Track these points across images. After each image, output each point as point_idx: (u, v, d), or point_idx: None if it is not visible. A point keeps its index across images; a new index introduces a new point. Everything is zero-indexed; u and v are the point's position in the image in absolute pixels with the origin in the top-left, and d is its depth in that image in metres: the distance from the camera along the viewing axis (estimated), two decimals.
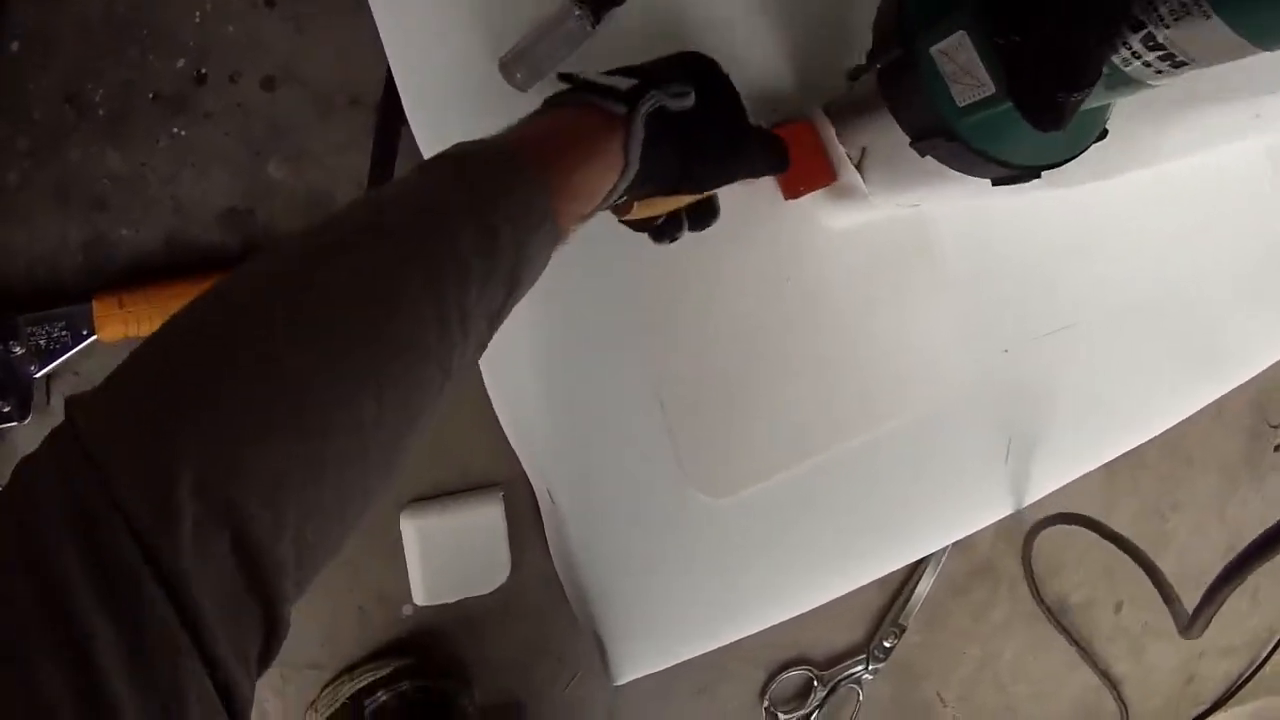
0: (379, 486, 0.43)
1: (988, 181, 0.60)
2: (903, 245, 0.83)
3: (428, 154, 0.75)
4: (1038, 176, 0.57)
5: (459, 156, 0.51)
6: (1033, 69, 0.47)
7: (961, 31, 0.50)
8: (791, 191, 0.76)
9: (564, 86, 0.59)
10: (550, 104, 0.59)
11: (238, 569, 0.37)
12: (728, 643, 0.84)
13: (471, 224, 0.46)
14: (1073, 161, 0.60)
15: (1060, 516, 0.88)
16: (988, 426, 0.87)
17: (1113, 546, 0.96)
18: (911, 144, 0.59)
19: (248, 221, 0.78)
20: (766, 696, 0.90)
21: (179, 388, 0.38)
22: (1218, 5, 0.40)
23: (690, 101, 0.59)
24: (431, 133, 0.74)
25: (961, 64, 0.51)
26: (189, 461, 0.36)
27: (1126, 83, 0.48)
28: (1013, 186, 0.64)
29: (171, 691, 0.34)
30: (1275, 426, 1.06)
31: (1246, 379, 0.97)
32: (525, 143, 0.53)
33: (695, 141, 0.60)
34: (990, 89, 0.51)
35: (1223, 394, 0.97)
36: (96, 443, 0.36)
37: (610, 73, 0.59)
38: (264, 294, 0.42)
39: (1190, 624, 0.74)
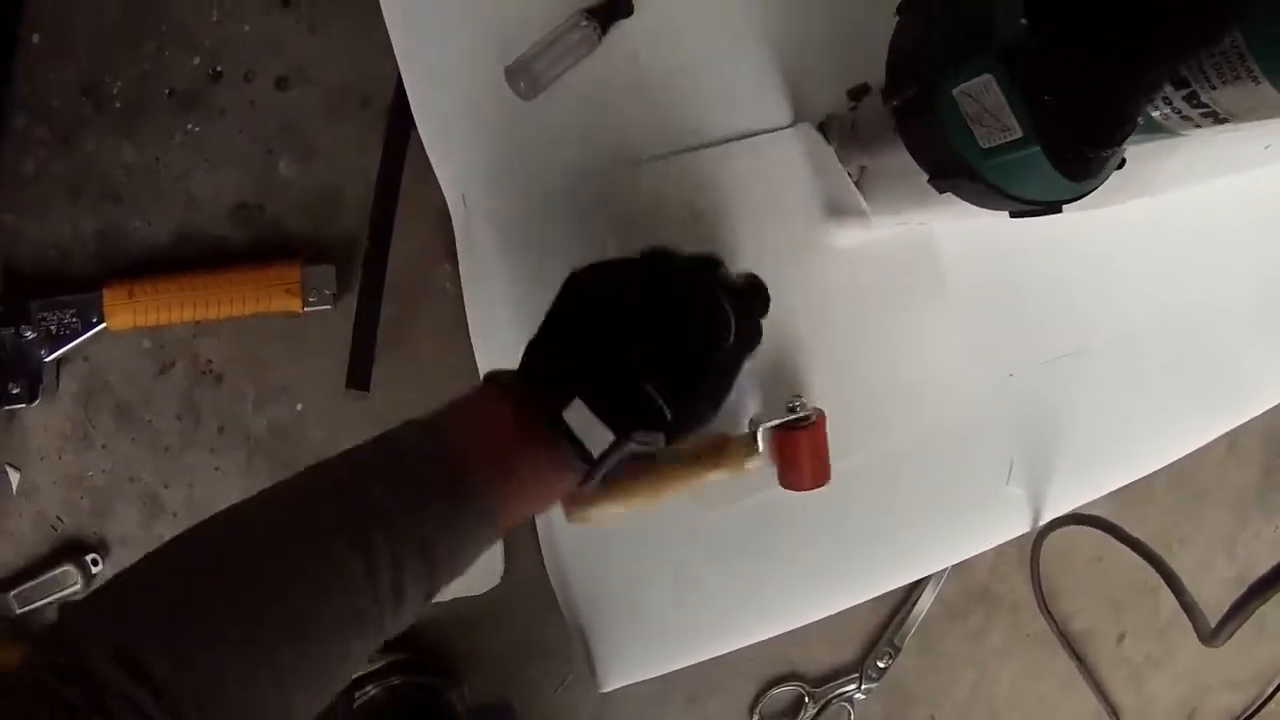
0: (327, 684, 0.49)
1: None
2: (910, 263, 0.82)
3: (432, 154, 0.76)
4: (1059, 211, 0.55)
5: (398, 454, 0.53)
6: (1066, 125, 0.45)
7: (989, 75, 0.48)
8: (789, 486, 0.76)
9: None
10: (513, 413, 0.57)
11: None
12: (722, 654, 0.83)
13: (414, 552, 0.50)
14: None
15: (1074, 517, 0.87)
16: (990, 449, 0.86)
17: (1118, 575, 0.95)
18: (930, 181, 0.57)
19: (258, 217, 0.79)
20: (757, 711, 0.89)
21: (144, 605, 0.46)
22: (1268, 71, 0.39)
23: (660, 444, 0.57)
24: (438, 137, 0.75)
25: (987, 107, 0.49)
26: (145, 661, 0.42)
27: (1157, 129, 0.47)
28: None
29: None
30: None
31: (1261, 412, 0.95)
32: (480, 457, 0.54)
33: (672, 435, 0.59)
34: (1017, 133, 0.48)
35: (1235, 427, 0.95)
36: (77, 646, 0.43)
37: (604, 383, 0.56)
38: (228, 538, 0.51)
39: (1216, 633, 0.73)
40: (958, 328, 0.84)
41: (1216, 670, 1.03)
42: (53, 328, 0.78)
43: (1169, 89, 0.43)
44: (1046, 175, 0.50)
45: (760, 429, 0.73)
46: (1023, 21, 0.44)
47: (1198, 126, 0.45)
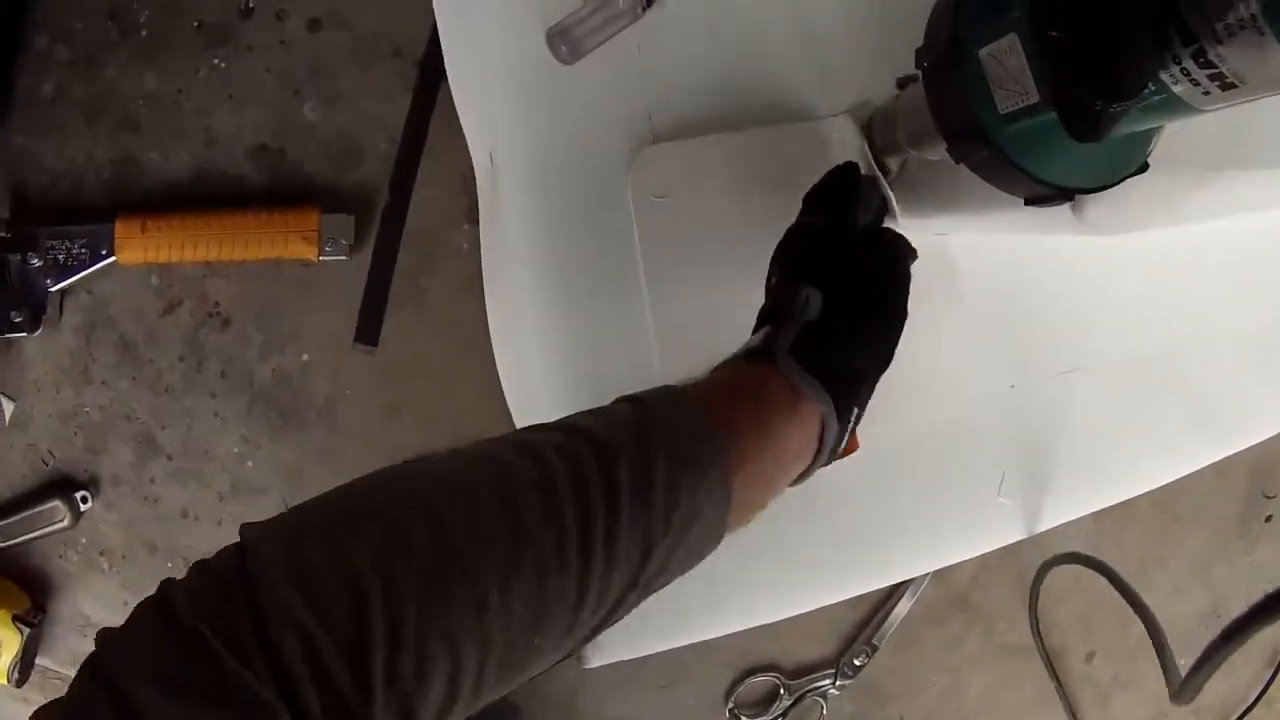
0: (498, 673, 0.44)
1: (1019, 205, 0.60)
2: (924, 266, 0.82)
3: (461, 111, 0.75)
4: (1071, 199, 0.55)
5: (640, 396, 0.52)
6: (1075, 72, 0.45)
7: (1013, 33, 0.49)
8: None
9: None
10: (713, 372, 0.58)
11: (347, 706, 0.39)
12: (700, 640, 0.84)
13: (631, 448, 0.47)
14: (1102, 206, 0.60)
15: (1073, 556, 0.88)
16: (984, 458, 0.87)
17: (1092, 595, 0.96)
18: (948, 149, 0.58)
19: (277, 160, 0.78)
20: (732, 699, 0.90)
21: (326, 536, 0.43)
22: (1272, 21, 0.38)
23: (818, 301, 0.57)
24: (470, 94, 0.75)
25: (1009, 69, 0.50)
26: (323, 598, 0.40)
27: (1174, 106, 0.47)
28: (1042, 218, 0.63)
29: None
30: (1270, 497, 1.06)
31: (1249, 445, 0.96)
32: (698, 391, 0.53)
33: (857, 321, 0.59)
34: (1034, 97, 0.49)
35: (1223, 457, 0.96)
36: (256, 572, 0.40)
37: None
38: (419, 475, 0.47)
39: (1183, 688, 0.74)
40: (966, 335, 0.85)
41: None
42: (60, 257, 0.77)
43: (1177, 45, 0.43)
44: (1059, 149, 0.51)
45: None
46: None
47: (1207, 95, 0.45)
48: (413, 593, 0.41)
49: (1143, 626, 0.82)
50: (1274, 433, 0.97)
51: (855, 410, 0.59)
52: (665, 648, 0.83)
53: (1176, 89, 0.45)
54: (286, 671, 0.38)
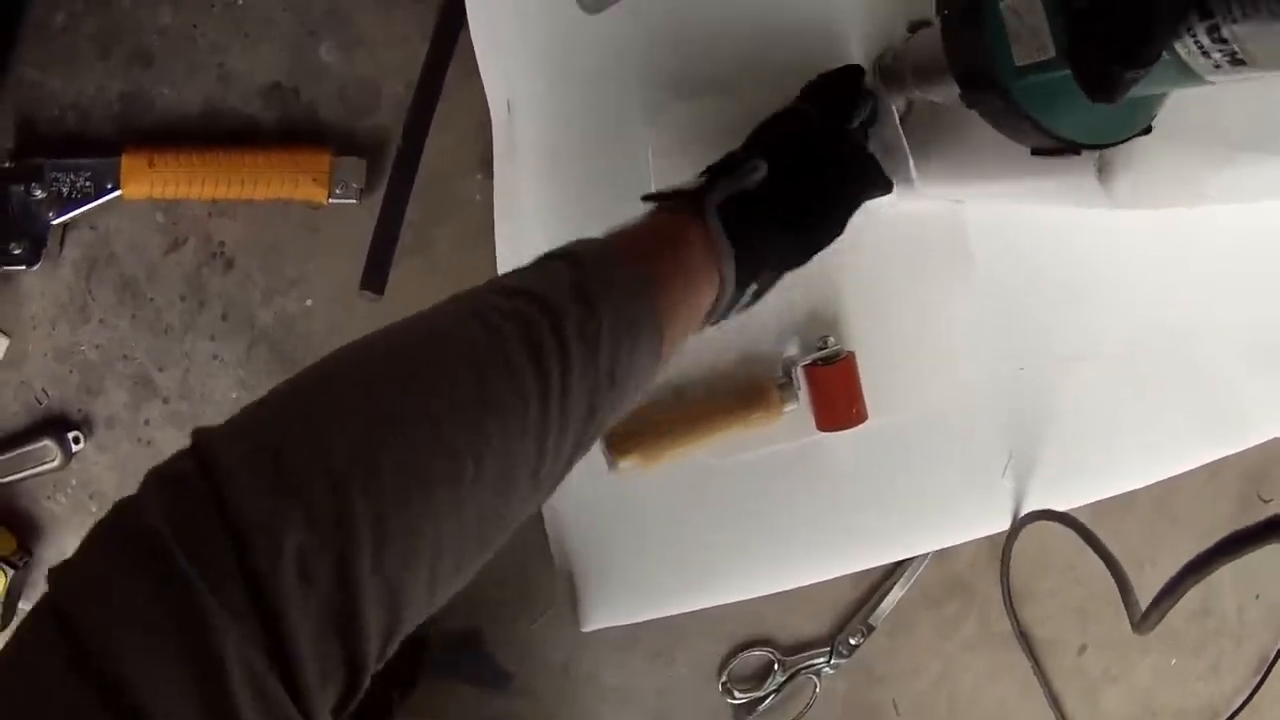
0: (471, 553, 0.44)
1: (1030, 164, 0.60)
2: (940, 243, 0.82)
3: (481, 58, 0.74)
4: (1077, 153, 0.56)
5: (571, 253, 0.51)
6: (1095, 37, 0.46)
7: None
8: (826, 427, 0.79)
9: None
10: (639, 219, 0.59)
11: (333, 608, 0.37)
12: (700, 608, 0.83)
13: (576, 307, 0.47)
14: (1128, 178, 0.60)
15: (1044, 514, 0.87)
16: (990, 439, 0.87)
17: (1089, 586, 0.96)
18: (960, 95, 0.58)
19: (290, 100, 0.77)
20: (725, 672, 0.89)
21: (296, 430, 0.40)
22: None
23: (763, 172, 0.58)
24: (490, 42, 0.74)
25: (1028, 24, 0.51)
26: (300, 498, 0.37)
27: (1183, 73, 0.48)
28: (1066, 187, 0.63)
29: None
30: (1266, 501, 1.05)
31: (1249, 446, 0.96)
32: (624, 244, 0.54)
33: (789, 208, 0.60)
34: (1050, 52, 0.50)
35: (1222, 456, 0.96)
36: (218, 466, 0.37)
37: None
38: (377, 357, 0.45)
39: (1145, 617, 0.74)
40: (978, 313, 0.84)
41: (1169, 698, 1.04)
42: (64, 190, 0.76)
43: (1194, 18, 0.43)
44: (1070, 104, 0.53)
45: (795, 367, 0.76)
46: None
47: (1217, 68, 0.45)
48: (396, 483, 0.39)
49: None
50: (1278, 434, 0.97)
51: (754, 288, 0.60)
52: (665, 614, 0.83)
53: (1187, 58, 0.46)
54: (264, 586, 0.35)
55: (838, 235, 0.63)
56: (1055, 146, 0.56)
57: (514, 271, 0.51)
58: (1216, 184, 0.71)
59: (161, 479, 0.38)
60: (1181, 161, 0.63)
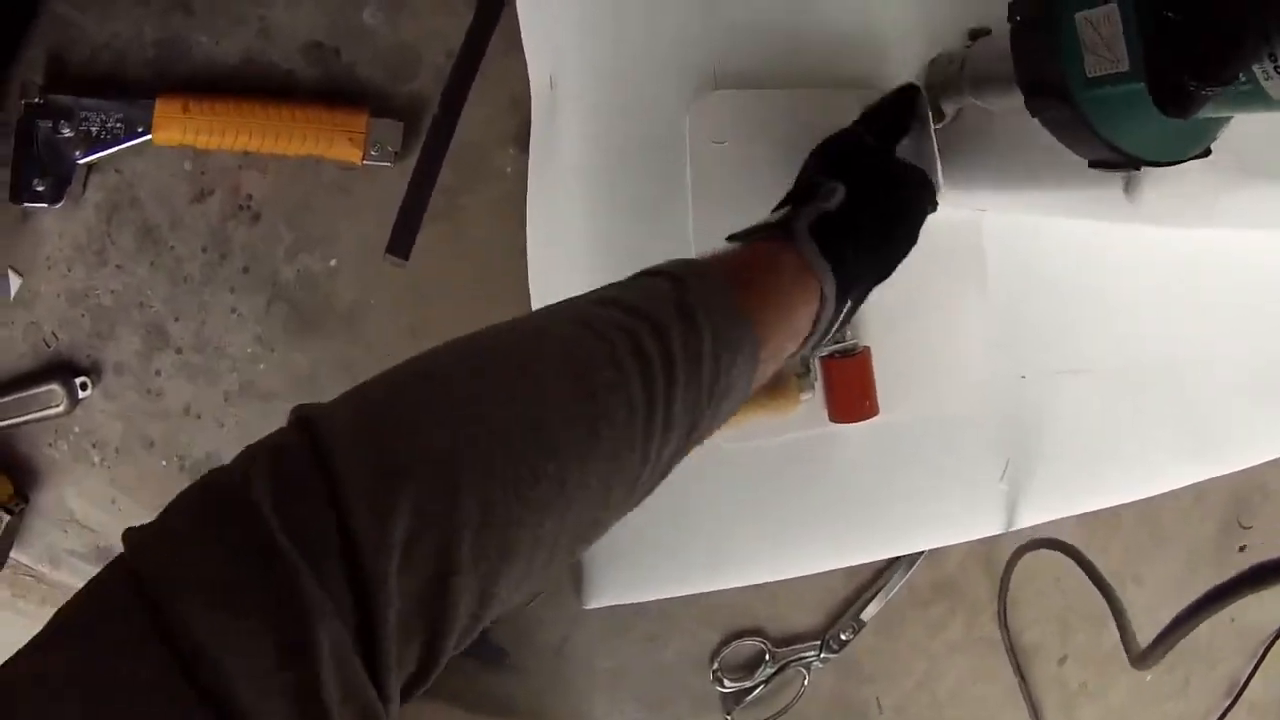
0: (563, 554, 0.45)
1: (1066, 178, 0.61)
2: (955, 247, 0.83)
3: (525, 32, 0.75)
4: (1137, 168, 0.56)
5: (671, 272, 0.53)
6: (1176, 51, 0.47)
7: (1114, 4, 0.50)
8: (838, 419, 0.80)
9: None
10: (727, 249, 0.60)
11: (427, 596, 0.37)
12: (701, 591, 0.83)
13: (681, 325, 0.48)
14: (1149, 190, 0.61)
15: (1046, 542, 0.89)
16: (990, 444, 0.88)
17: (1073, 598, 0.97)
18: (1025, 101, 0.58)
19: (331, 60, 0.77)
20: (717, 660, 0.89)
21: (410, 419, 0.41)
22: None
23: (841, 193, 0.60)
24: (536, 15, 0.74)
25: (1103, 36, 0.51)
26: (412, 482, 0.38)
27: (1255, 96, 0.49)
28: (1086, 198, 0.64)
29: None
30: (1246, 528, 1.08)
31: (1238, 469, 0.98)
32: (722, 266, 0.56)
33: (871, 224, 0.62)
34: (1125, 66, 0.50)
35: (1209, 478, 0.98)
36: (330, 449, 0.38)
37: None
38: (491, 355, 0.46)
39: (1146, 652, 0.75)
40: (986, 320, 0.86)
41: (1142, 716, 1.06)
42: (93, 130, 0.75)
43: (1276, 42, 0.44)
44: (1138, 119, 0.52)
45: (813, 358, 0.77)
46: None
47: None
48: (504, 481, 0.40)
49: (1117, 635, 0.83)
50: (1267, 459, 0.99)
51: (850, 304, 0.62)
52: (667, 595, 0.83)
53: (1264, 82, 0.46)
54: (364, 568, 0.35)
55: (914, 246, 0.66)
56: (1116, 160, 0.56)
57: (613, 285, 0.53)
58: (1228, 205, 0.73)
59: (269, 452, 0.38)
60: (1198, 179, 0.64)
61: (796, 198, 0.62)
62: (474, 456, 0.40)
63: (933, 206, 0.68)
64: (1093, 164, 0.59)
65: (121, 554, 0.35)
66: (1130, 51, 0.49)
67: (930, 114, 0.71)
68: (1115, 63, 0.51)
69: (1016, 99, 0.59)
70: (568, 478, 0.42)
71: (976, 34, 0.66)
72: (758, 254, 0.58)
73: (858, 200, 0.61)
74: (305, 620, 0.33)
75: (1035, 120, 0.59)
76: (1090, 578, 0.85)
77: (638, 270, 0.54)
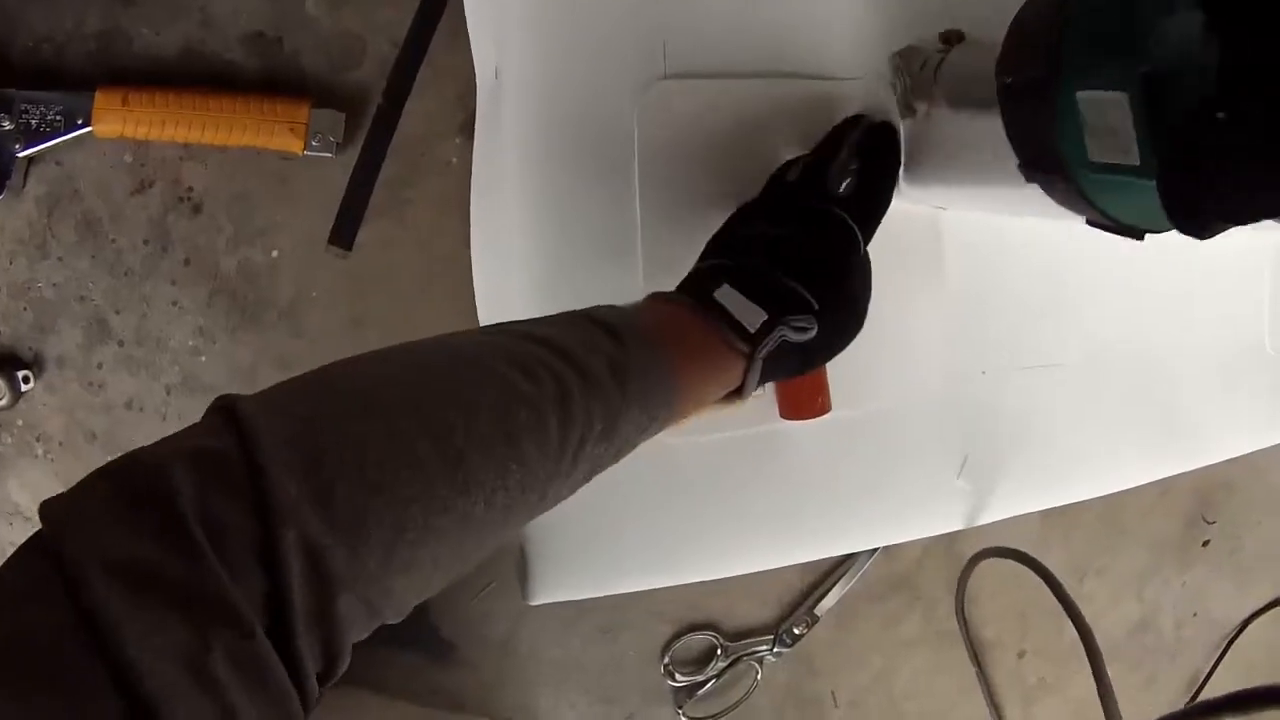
0: (458, 569, 0.47)
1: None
2: (912, 242, 0.83)
3: (471, 21, 0.74)
4: (1140, 239, 0.51)
5: (614, 327, 0.54)
6: (1200, 185, 0.40)
7: (1123, 95, 0.42)
8: (788, 415, 0.80)
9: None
10: (675, 300, 0.61)
11: (328, 599, 0.39)
12: (647, 588, 0.83)
13: (612, 389, 0.51)
14: None
15: (1009, 552, 0.88)
16: (948, 440, 0.88)
17: (1032, 593, 0.97)
18: (1020, 167, 0.54)
19: (273, 50, 0.76)
20: (668, 653, 0.89)
21: (337, 431, 0.42)
22: None
23: (812, 333, 0.60)
24: (481, 5, 0.73)
25: (1110, 122, 0.44)
26: (329, 491, 0.39)
27: None
28: (1052, 204, 0.63)
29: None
30: (1210, 523, 1.07)
31: (1202, 465, 0.98)
32: (664, 337, 0.57)
33: (820, 353, 0.64)
34: (1134, 160, 0.43)
35: (1174, 474, 0.97)
36: (258, 446, 0.39)
37: (744, 275, 0.61)
38: (423, 373, 0.47)
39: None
40: (944, 314, 0.85)
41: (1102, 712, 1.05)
42: (33, 122, 0.74)
43: None
44: (1149, 207, 0.44)
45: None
46: (1197, 25, 0.37)
47: None
48: (418, 501, 0.42)
49: (1075, 630, 0.83)
50: (1234, 454, 0.98)
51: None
52: (612, 592, 0.83)
53: None
54: (281, 574, 0.37)
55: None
56: (1116, 228, 0.51)
57: (552, 324, 0.54)
58: None
59: (193, 445, 0.39)
60: None
61: (774, 301, 0.60)
62: (392, 481, 0.41)
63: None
64: (1090, 223, 0.54)
65: (40, 530, 0.36)
66: (1143, 151, 0.42)
67: (902, 156, 0.70)
68: (1124, 154, 0.44)
69: (996, 122, 0.54)
70: (474, 508, 0.44)
71: (949, 37, 0.62)
72: (711, 344, 0.59)
73: (824, 333, 0.62)
74: (217, 607, 0.34)
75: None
76: (1050, 587, 0.85)
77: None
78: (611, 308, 0.58)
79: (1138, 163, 0.43)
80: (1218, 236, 0.42)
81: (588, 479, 0.53)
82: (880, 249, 0.82)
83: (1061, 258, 0.89)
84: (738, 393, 0.61)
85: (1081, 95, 0.45)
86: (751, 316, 0.59)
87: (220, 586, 0.35)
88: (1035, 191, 0.57)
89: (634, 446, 0.55)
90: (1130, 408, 0.94)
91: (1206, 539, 1.08)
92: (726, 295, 0.60)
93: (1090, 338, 0.91)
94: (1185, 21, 0.39)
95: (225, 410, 0.40)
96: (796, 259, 0.62)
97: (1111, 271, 0.90)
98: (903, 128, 0.70)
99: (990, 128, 0.55)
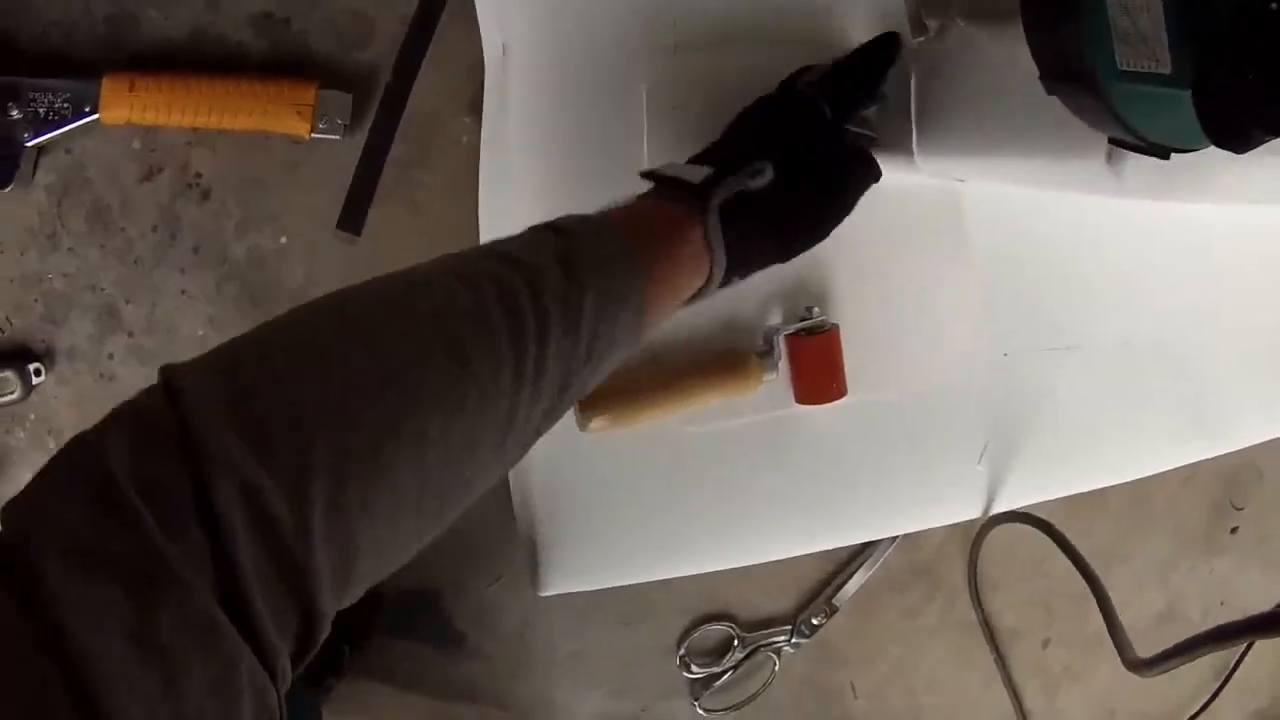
0: (430, 512, 0.44)
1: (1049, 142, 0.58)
2: (936, 221, 0.81)
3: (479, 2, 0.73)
4: (1166, 158, 0.48)
5: (561, 225, 0.52)
6: (1238, 90, 0.38)
7: None
8: (804, 400, 0.79)
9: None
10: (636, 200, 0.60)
11: (285, 551, 0.37)
12: (660, 579, 0.82)
13: (560, 277, 0.48)
14: (1138, 165, 0.58)
15: (1017, 515, 0.86)
16: (968, 424, 0.86)
17: (1056, 581, 0.95)
18: (1041, 79, 0.50)
19: (281, 30, 0.76)
20: (684, 645, 0.88)
21: (266, 374, 0.40)
22: None
23: (769, 176, 0.59)
24: None
25: (1140, 27, 0.41)
26: (265, 433, 0.38)
27: None
28: (1072, 170, 0.61)
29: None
30: (1239, 509, 1.05)
31: (1229, 451, 0.96)
32: (620, 220, 0.55)
33: (787, 214, 0.61)
34: (1166, 69, 0.41)
35: (1201, 459, 0.96)
36: (185, 401, 0.38)
37: (692, 160, 0.61)
38: (355, 308, 0.45)
39: (1149, 664, 0.72)
40: (966, 296, 0.84)
41: (1127, 699, 1.04)
42: (41, 111, 0.74)
43: None
44: (1180, 120, 0.42)
45: (777, 336, 0.75)
46: None
47: None
48: (360, 426, 0.40)
49: (1101, 618, 0.81)
50: (1262, 439, 0.96)
51: (735, 280, 0.62)
52: (624, 583, 0.82)
53: None
54: (219, 525, 0.35)
55: (825, 238, 0.65)
56: (1141, 147, 0.49)
57: (503, 239, 0.52)
58: (1221, 181, 0.70)
59: (127, 410, 0.38)
60: (1210, 159, 0.60)
61: (722, 164, 0.59)
62: (329, 415, 0.39)
63: (875, 177, 0.66)
64: (1113, 142, 0.51)
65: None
66: (1175, 56, 0.40)
67: (913, 71, 0.67)
68: (1154, 62, 0.41)
69: (1017, 36, 0.50)
70: (426, 434, 0.41)
71: None
72: (663, 213, 0.57)
73: (783, 186, 0.59)
74: (158, 574, 0.34)
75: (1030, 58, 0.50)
76: (1064, 551, 0.83)
77: None
78: (567, 215, 0.55)
79: (1169, 70, 0.41)
80: (1247, 196, 0.40)
81: (564, 390, 0.49)
82: (902, 227, 0.81)
83: (1091, 235, 0.87)
84: (711, 263, 0.58)
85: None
86: (695, 174, 0.58)
87: (158, 551, 0.34)
88: (1053, 152, 0.56)
89: (615, 345, 0.52)
90: (1156, 391, 0.92)
91: (1235, 526, 1.06)
92: (672, 167, 0.59)
93: (1114, 319, 0.89)
94: None
95: (161, 373, 0.39)
96: (750, 132, 0.62)
97: (1144, 250, 0.88)
98: (914, 73, 0.68)
99: (1008, 46, 0.52)
